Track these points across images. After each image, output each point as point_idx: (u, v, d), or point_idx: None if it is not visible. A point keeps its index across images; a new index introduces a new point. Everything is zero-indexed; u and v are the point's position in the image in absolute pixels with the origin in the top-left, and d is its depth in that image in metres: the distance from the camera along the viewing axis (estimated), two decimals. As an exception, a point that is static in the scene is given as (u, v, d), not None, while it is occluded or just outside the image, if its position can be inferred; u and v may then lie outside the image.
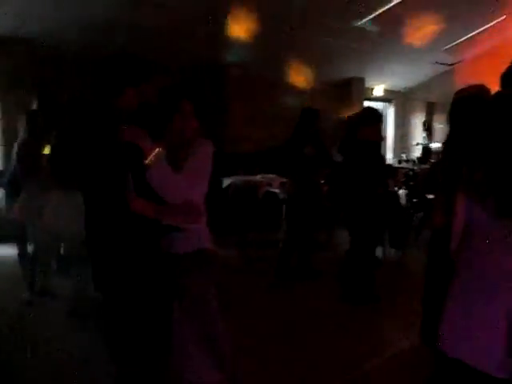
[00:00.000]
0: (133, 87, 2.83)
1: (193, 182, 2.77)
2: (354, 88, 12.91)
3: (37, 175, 5.13)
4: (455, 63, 12.06)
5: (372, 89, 13.68)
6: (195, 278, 2.89)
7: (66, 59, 8.70)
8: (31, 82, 8.11)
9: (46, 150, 5.18)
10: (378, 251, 7.33)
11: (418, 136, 14.72)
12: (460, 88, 3.87)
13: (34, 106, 6.14)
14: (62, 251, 5.44)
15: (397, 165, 12.24)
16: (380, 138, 5.87)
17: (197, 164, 2.84)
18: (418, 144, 13.79)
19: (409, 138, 15.12)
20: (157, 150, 2.63)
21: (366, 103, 13.37)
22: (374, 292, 5.72)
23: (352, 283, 5.72)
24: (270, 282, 6.29)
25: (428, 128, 13.85)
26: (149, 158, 2.61)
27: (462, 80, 5.75)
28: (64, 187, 4.86)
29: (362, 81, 13.03)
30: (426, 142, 13.64)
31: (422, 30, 9.46)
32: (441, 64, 12.13)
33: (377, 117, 5.81)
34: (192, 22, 7.87)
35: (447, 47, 11.02)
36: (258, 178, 8.80)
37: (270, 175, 8.68)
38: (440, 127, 12.92)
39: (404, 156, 13.56)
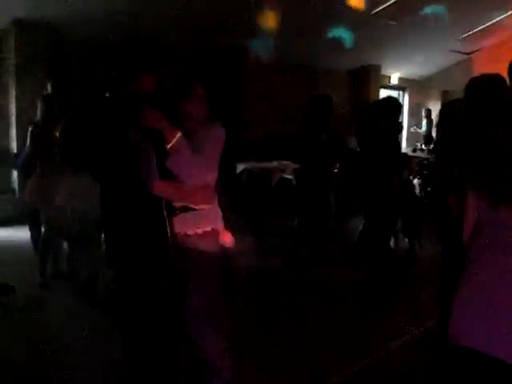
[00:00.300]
0: (149, 71, 2.82)
1: (206, 164, 2.81)
2: (370, 75, 12.87)
3: (49, 159, 5.15)
4: (472, 52, 11.98)
5: (389, 77, 13.63)
6: (203, 256, 2.92)
7: (82, 43, 8.73)
8: (46, 66, 8.15)
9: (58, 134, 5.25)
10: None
11: (433, 125, 14.66)
12: (474, 76, 3.92)
13: (49, 90, 6.15)
14: (73, 233, 5.47)
15: (411, 154, 12.19)
16: (400, 128, 5.89)
17: (208, 147, 2.83)
18: (414, 129, 13.84)
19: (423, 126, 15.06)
20: (178, 134, 2.63)
21: (382, 91, 13.34)
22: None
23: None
24: (282, 269, 6.33)
25: (428, 115, 13.73)
26: (171, 143, 2.62)
27: (479, 69, 5.71)
28: (75, 170, 4.90)
29: (378, 68, 12.98)
30: (427, 129, 13.57)
31: (439, 18, 9.41)
32: (457, 52, 12.06)
33: (398, 105, 5.86)
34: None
35: (464, 36, 10.95)
36: (273, 164, 8.82)
37: (285, 161, 8.68)
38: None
39: (418, 145, 13.51)
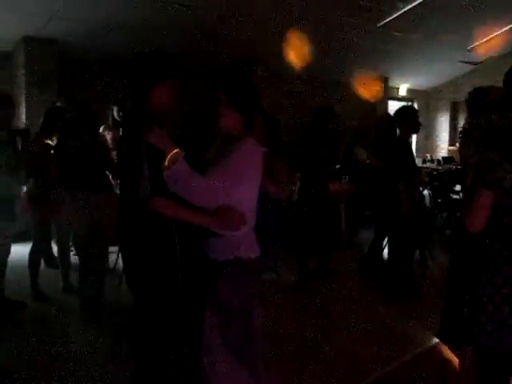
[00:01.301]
0: (163, 84, 2.79)
1: (223, 184, 2.54)
2: (378, 88, 12.86)
3: (44, 172, 5.26)
4: (480, 62, 11.96)
5: (397, 88, 13.62)
6: (228, 288, 2.72)
7: (91, 59, 8.81)
8: (55, 81, 8.21)
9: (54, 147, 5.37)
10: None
11: (443, 136, 14.63)
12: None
13: (58, 105, 6.24)
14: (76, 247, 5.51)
15: (421, 165, 12.17)
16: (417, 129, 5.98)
17: (229, 164, 2.61)
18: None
19: (433, 137, 15.03)
20: (174, 151, 2.47)
21: (390, 103, 13.34)
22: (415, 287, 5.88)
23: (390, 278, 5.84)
24: (293, 281, 6.33)
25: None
26: (166, 161, 2.47)
27: (488, 79, 5.69)
28: (70, 187, 5.00)
29: (386, 80, 12.98)
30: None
31: (447, 29, 9.41)
32: (466, 63, 12.04)
33: (414, 111, 6.06)
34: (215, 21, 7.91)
35: (472, 46, 10.93)
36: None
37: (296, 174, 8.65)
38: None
39: (428, 156, 13.48)
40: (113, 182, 5.58)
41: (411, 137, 6.08)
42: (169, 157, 2.46)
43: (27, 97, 8.11)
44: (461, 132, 4.51)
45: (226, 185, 2.56)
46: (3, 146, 4.83)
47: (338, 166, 6.95)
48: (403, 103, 14.31)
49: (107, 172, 5.29)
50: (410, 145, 5.90)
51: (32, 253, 5.61)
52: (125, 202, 2.88)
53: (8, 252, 5.09)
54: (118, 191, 4.90)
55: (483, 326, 2.38)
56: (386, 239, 6.49)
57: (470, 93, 4.35)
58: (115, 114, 7.48)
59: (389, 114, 7.38)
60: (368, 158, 6.69)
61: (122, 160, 2.94)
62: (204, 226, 2.68)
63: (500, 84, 2.80)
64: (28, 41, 8.09)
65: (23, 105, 8.12)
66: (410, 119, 5.76)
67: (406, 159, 5.61)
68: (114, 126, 7.29)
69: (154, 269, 2.72)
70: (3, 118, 4.89)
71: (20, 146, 5.06)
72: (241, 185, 2.65)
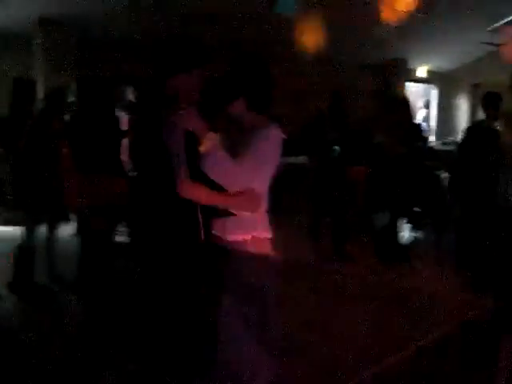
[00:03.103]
0: (190, 70, 2.78)
1: (252, 168, 2.63)
2: (397, 69, 12.74)
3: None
4: (503, 43, 11.76)
5: (414, 70, 13.47)
6: (246, 267, 2.76)
7: (107, 40, 8.79)
8: (73, 63, 8.21)
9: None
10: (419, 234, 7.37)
11: (462, 118, 14.45)
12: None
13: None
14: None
15: (441, 147, 12.04)
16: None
17: (258, 150, 2.66)
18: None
19: (453, 120, 14.86)
20: (211, 135, 2.55)
21: (409, 84, 13.21)
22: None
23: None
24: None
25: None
26: (203, 145, 2.53)
27: (510, 61, 5.62)
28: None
29: (404, 62, 12.84)
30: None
31: (468, 9, 9.26)
32: (487, 44, 11.84)
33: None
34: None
35: (493, 27, 10.73)
36: (301, 159, 8.72)
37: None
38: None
39: (448, 139, 13.34)
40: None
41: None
42: (206, 141, 2.53)
43: (45, 79, 8.12)
44: None
45: (257, 168, 2.66)
46: None
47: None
48: (422, 85, 14.21)
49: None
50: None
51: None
52: (145, 186, 2.88)
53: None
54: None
55: None
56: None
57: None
58: (130, 95, 7.47)
59: (405, 98, 7.29)
60: (386, 142, 6.63)
61: (143, 144, 2.91)
62: (228, 208, 2.74)
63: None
64: (45, 23, 8.09)
65: (41, 88, 8.13)
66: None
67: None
68: (129, 108, 7.28)
69: (177, 253, 2.74)
70: (28, 103, 4.91)
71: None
72: (264, 169, 2.73)
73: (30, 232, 5.27)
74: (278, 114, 3.03)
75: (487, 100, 5.95)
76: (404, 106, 6.51)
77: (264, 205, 2.83)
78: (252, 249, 2.77)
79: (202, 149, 2.53)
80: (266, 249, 2.84)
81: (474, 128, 6.25)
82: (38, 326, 4.62)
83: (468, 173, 5.98)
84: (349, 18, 8.86)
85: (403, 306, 5.09)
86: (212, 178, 2.58)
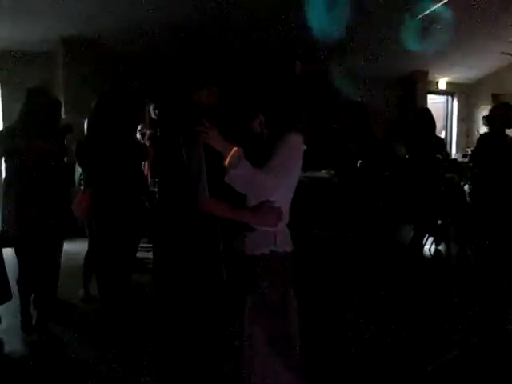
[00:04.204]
0: (212, 83, 2.81)
1: (276, 176, 2.60)
2: (417, 81, 12.70)
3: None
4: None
5: (437, 82, 13.42)
6: (267, 282, 2.72)
7: (131, 58, 8.88)
8: (94, 81, 8.28)
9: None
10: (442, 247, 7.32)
11: (484, 130, 14.33)
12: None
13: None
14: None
15: (461, 159, 11.96)
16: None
17: (279, 156, 2.64)
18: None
19: (474, 131, 14.75)
20: (234, 149, 2.53)
21: (430, 97, 13.15)
22: None
23: None
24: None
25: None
26: (227, 160, 2.51)
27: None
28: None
29: (425, 74, 12.80)
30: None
31: (487, 19, 9.21)
32: (508, 55, 11.77)
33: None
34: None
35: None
36: (322, 173, 8.72)
37: (332, 171, 8.56)
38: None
39: (469, 150, 13.23)
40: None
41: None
42: (230, 155, 2.51)
43: (66, 97, 8.20)
44: None
45: (283, 179, 2.66)
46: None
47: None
48: (443, 97, 14.14)
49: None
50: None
51: (88, 257, 5.56)
52: (166, 201, 2.89)
53: (61, 252, 5.17)
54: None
55: None
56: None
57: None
58: (152, 112, 7.52)
59: (426, 109, 7.26)
60: (407, 153, 6.59)
61: (164, 160, 2.93)
62: (247, 222, 2.73)
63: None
64: (67, 41, 8.19)
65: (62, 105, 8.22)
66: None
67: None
68: (150, 125, 7.33)
69: (198, 268, 2.75)
70: (53, 122, 4.95)
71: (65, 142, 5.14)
72: (285, 182, 2.72)
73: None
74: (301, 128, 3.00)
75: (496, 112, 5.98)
76: (425, 119, 6.48)
77: (285, 219, 2.80)
78: (271, 264, 2.74)
79: (225, 163, 2.52)
80: (286, 263, 2.81)
81: (485, 137, 6.22)
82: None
83: (483, 182, 6.00)
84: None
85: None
86: (238, 190, 2.57)
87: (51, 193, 4.75)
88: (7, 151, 4.60)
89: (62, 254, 5.25)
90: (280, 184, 2.65)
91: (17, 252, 4.76)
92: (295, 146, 2.73)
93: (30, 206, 4.60)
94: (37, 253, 4.79)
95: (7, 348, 4.55)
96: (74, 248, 6.29)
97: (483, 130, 12.95)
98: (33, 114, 4.59)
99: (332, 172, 8.16)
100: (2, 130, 4.98)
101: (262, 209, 2.69)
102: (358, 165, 6.11)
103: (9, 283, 4.72)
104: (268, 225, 2.74)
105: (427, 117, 6.52)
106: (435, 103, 14.19)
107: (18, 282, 4.89)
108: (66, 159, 5.01)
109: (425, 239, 7.10)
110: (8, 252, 4.84)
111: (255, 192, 2.63)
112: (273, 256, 2.75)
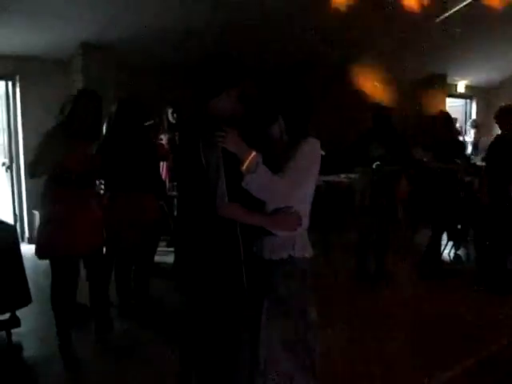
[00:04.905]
0: (231, 88, 2.80)
1: (293, 181, 2.63)
2: (435, 85, 12.62)
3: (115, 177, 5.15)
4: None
5: (455, 85, 13.34)
6: (285, 287, 2.73)
7: (147, 64, 8.90)
8: (112, 87, 8.31)
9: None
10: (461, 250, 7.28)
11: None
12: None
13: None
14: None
15: (480, 162, 11.86)
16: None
17: (297, 162, 2.65)
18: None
19: (493, 135, 14.60)
20: (252, 154, 2.55)
21: (449, 100, 13.06)
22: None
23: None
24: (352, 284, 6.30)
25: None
26: (245, 164, 2.53)
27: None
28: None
29: (443, 77, 12.71)
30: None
31: (508, 22, 9.13)
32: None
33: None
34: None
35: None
36: (341, 177, 8.68)
37: (353, 175, 8.51)
38: None
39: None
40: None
41: None
42: (248, 160, 2.53)
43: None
44: None
45: (300, 185, 2.68)
46: None
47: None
48: (461, 100, 14.03)
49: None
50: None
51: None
52: (186, 206, 2.91)
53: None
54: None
55: None
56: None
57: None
58: (170, 116, 7.54)
59: (445, 113, 7.22)
60: (427, 159, 6.55)
61: (184, 164, 2.94)
62: (265, 227, 2.74)
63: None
64: (85, 47, 8.24)
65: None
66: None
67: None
68: (168, 129, 7.35)
69: (218, 272, 2.74)
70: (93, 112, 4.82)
71: None
72: (303, 187, 2.73)
73: None
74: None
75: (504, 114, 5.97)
76: (445, 122, 6.45)
77: (304, 224, 2.80)
78: (289, 269, 2.75)
79: (243, 168, 2.53)
80: (305, 268, 2.81)
81: (498, 141, 6.19)
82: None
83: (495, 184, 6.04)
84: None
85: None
86: (255, 195, 2.58)
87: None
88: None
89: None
90: (296, 190, 2.66)
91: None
92: (312, 151, 2.75)
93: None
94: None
95: (25, 353, 4.57)
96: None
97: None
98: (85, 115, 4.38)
99: (352, 176, 8.14)
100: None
101: (280, 214, 2.70)
102: (374, 166, 6.09)
103: (28, 286, 4.73)
104: (287, 229, 2.74)
105: (446, 120, 6.49)
106: (454, 106, 14.10)
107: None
108: None
109: (444, 244, 7.06)
110: (27, 256, 4.86)
111: (271, 197, 2.65)
112: (291, 261, 2.75)
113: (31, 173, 4.25)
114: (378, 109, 6.36)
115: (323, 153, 2.80)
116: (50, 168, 4.16)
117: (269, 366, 2.69)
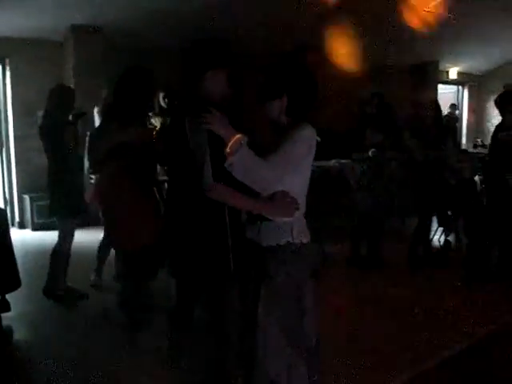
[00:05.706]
0: (216, 69, 2.79)
1: (278, 168, 2.53)
2: (428, 72, 12.63)
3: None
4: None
5: (447, 72, 13.34)
6: (283, 273, 2.68)
7: (137, 47, 8.84)
8: (103, 69, 8.27)
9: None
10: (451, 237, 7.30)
11: (494, 120, 14.26)
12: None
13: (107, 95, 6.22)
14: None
15: (472, 149, 11.90)
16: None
17: (286, 148, 2.57)
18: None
19: (484, 122, 14.67)
20: (237, 136, 2.47)
21: (441, 86, 13.07)
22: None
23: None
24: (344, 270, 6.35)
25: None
26: (228, 146, 2.45)
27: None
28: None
29: (436, 64, 12.72)
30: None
31: (500, 9, 9.13)
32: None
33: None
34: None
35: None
36: (332, 162, 8.64)
37: (343, 160, 8.46)
38: None
39: (479, 141, 13.17)
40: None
41: None
42: (231, 143, 2.46)
43: (76, 85, 8.19)
44: None
45: (286, 171, 2.58)
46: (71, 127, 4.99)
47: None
48: (453, 86, 14.05)
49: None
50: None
51: (103, 244, 5.57)
52: (176, 190, 2.91)
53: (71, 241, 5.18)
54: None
55: None
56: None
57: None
58: (161, 101, 7.49)
59: (434, 102, 7.20)
60: (416, 146, 6.55)
61: (173, 147, 2.93)
62: (259, 212, 2.68)
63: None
64: (76, 30, 8.18)
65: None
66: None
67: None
68: (160, 114, 7.31)
69: (205, 256, 2.74)
70: (67, 107, 5.00)
71: (80, 129, 5.16)
72: (297, 171, 2.66)
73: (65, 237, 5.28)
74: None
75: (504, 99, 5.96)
76: (434, 109, 6.46)
77: (301, 209, 2.74)
78: (287, 254, 2.69)
79: (227, 150, 2.46)
80: (303, 253, 2.75)
81: (497, 127, 6.19)
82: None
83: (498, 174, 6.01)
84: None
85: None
86: (239, 179, 2.49)
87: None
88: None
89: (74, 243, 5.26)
90: (281, 175, 2.57)
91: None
92: (306, 137, 2.67)
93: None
94: None
95: (16, 336, 4.57)
96: (87, 237, 6.30)
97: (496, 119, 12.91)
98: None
99: (343, 161, 8.13)
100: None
101: (276, 198, 2.63)
102: (370, 153, 6.11)
103: (18, 271, 4.73)
104: (283, 215, 2.68)
105: (434, 106, 6.51)
106: (446, 93, 14.12)
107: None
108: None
109: (434, 230, 7.10)
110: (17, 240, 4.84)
111: (255, 182, 2.53)
112: (289, 247, 2.70)
113: (97, 170, 4.41)
114: (380, 96, 6.39)
115: (319, 139, 2.75)
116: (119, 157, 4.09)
117: (267, 352, 2.66)
